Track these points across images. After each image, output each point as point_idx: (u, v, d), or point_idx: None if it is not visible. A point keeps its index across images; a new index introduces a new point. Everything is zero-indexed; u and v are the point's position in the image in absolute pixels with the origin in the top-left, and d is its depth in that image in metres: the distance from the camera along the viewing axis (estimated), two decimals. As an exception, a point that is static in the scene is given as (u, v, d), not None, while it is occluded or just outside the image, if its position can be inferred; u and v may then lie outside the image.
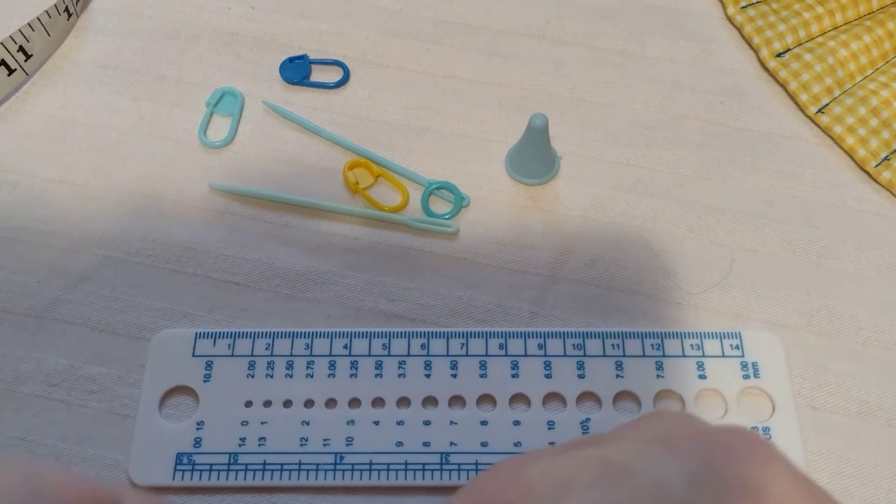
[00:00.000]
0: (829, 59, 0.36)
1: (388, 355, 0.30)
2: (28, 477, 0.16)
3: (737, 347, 0.30)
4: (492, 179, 0.35)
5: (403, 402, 0.30)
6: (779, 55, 0.37)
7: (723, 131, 0.36)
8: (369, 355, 0.30)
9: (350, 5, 0.39)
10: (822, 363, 0.31)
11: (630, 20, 0.39)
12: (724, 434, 0.17)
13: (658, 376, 0.30)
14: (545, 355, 0.30)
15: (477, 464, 0.28)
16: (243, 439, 0.29)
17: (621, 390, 0.30)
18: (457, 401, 0.30)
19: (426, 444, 0.29)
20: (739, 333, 0.31)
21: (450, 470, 0.28)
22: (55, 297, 0.32)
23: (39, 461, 0.29)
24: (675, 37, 0.38)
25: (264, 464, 0.28)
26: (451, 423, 0.29)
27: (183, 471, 0.28)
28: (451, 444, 0.29)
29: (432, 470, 0.28)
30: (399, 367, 0.30)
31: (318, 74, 0.37)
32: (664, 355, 0.30)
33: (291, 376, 0.30)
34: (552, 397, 0.30)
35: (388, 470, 0.28)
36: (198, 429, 0.29)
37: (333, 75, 0.37)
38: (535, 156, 0.34)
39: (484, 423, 0.29)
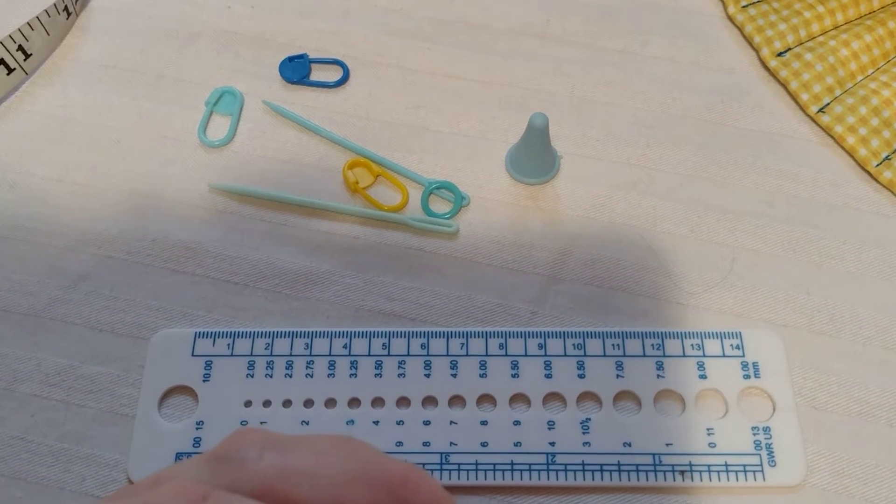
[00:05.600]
0: (829, 59, 0.36)
1: (388, 355, 0.30)
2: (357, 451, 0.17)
3: (737, 347, 0.30)
4: (492, 179, 0.35)
5: (403, 401, 0.29)
6: (779, 54, 0.37)
7: (723, 131, 0.36)
8: (369, 355, 0.30)
9: (350, 4, 0.39)
10: (822, 363, 0.31)
11: (630, 19, 0.39)
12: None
13: (658, 376, 0.30)
14: (545, 355, 0.30)
15: (477, 464, 0.28)
16: (243, 439, 0.29)
17: (622, 390, 0.30)
18: (457, 401, 0.30)
19: (426, 443, 0.29)
20: (740, 333, 0.31)
21: (450, 470, 0.28)
22: (54, 297, 0.32)
23: (38, 461, 0.29)
24: (676, 36, 0.38)
25: (264, 464, 0.28)
26: (451, 422, 0.29)
27: (182, 471, 0.28)
28: (451, 444, 0.29)
29: (432, 470, 0.28)
30: (399, 367, 0.30)
31: (317, 74, 0.37)
32: (664, 355, 0.30)
33: (291, 376, 0.30)
34: (552, 397, 0.30)
35: (387, 470, 0.28)
36: (197, 428, 0.29)
37: (333, 74, 0.37)
38: (535, 155, 0.33)
39: (484, 423, 0.29)
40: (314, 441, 0.17)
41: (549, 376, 0.30)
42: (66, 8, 0.37)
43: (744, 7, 0.38)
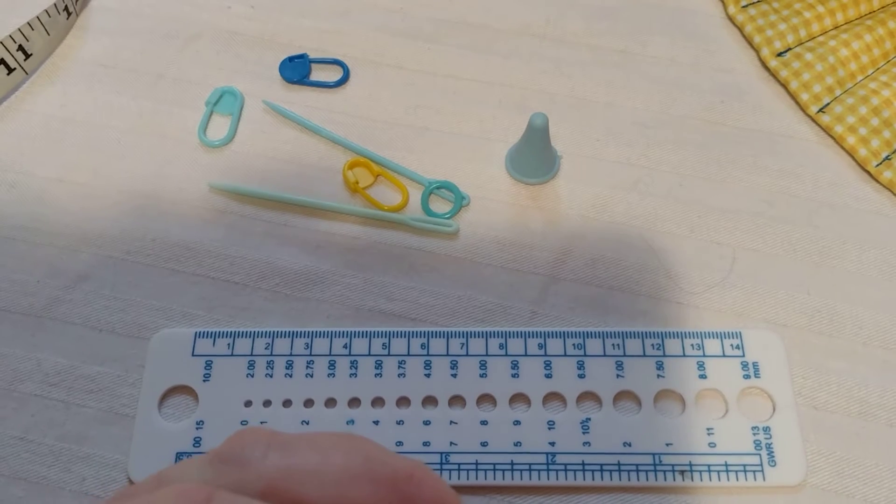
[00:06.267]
0: (829, 59, 0.36)
1: (388, 355, 0.30)
2: (360, 448, 0.17)
3: (737, 347, 0.30)
4: (492, 179, 0.35)
5: (403, 401, 0.29)
6: (779, 54, 0.37)
7: (723, 131, 0.36)
8: (369, 355, 0.30)
9: (350, 4, 0.39)
10: (822, 363, 0.31)
11: (631, 20, 0.39)
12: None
13: (658, 376, 0.30)
14: (545, 355, 0.30)
15: (477, 464, 0.28)
16: (243, 439, 0.29)
17: (622, 390, 0.30)
18: (457, 400, 0.30)
19: (426, 443, 0.29)
20: (740, 333, 0.31)
21: (450, 470, 0.28)
22: (54, 297, 0.32)
23: (39, 461, 0.29)
24: (676, 36, 0.38)
25: (264, 463, 0.28)
26: (451, 422, 0.29)
27: (182, 470, 0.28)
28: (451, 443, 0.29)
29: (432, 470, 0.28)
30: (399, 367, 0.30)
31: (317, 74, 0.37)
32: (664, 355, 0.30)
33: (291, 376, 0.30)
34: (552, 397, 0.30)
35: (387, 470, 0.28)
36: (197, 428, 0.29)
37: (333, 74, 0.37)
38: (535, 155, 0.33)
39: (484, 422, 0.29)
40: (318, 439, 0.17)
41: (549, 376, 0.30)
42: (66, 8, 0.37)
43: (744, 7, 0.38)
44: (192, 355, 0.30)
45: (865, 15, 0.38)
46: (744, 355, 0.30)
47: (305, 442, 0.17)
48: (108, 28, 0.38)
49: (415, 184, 0.34)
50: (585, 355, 0.30)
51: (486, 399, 0.30)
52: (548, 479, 0.28)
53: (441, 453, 0.28)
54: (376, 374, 0.30)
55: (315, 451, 0.17)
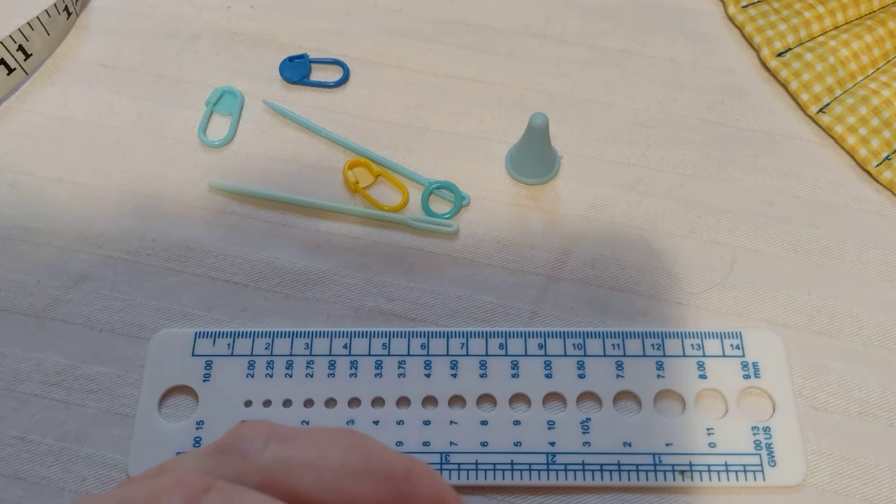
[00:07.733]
0: (830, 59, 0.36)
1: (388, 355, 0.30)
2: (358, 445, 0.17)
3: (737, 347, 0.30)
4: (492, 179, 0.35)
5: (403, 401, 0.29)
6: (780, 54, 0.37)
7: (723, 131, 0.36)
8: (369, 355, 0.30)
9: (350, 4, 0.39)
10: (822, 363, 0.31)
11: (631, 19, 0.39)
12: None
13: (658, 376, 0.30)
14: (545, 355, 0.30)
15: (477, 463, 0.28)
16: (243, 439, 0.29)
17: (622, 390, 0.30)
18: (457, 400, 0.30)
19: (426, 443, 0.29)
20: (740, 333, 0.31)
21: (450, 470, 0.28)
22: (54, 297, 0.32)
23: (39, 460, 0.29)
24: (676, 36, 0.38)
25: (264, 464, 0.28)
26: (451, 422, 0.29)
27: (182, 470, 0.28)
28: (451, 443, 0.29)
29: (432, 470, 0.28)
30: (399, 367, 0.30)
31: (317, 74, 0.37)
32: (665, 355, 0.30)
33: (291, 376, 0.30)
34: (552, 397, 0.30)
35: (387, 470, 0.28)
36: (197, 428, 0.29)
37: (333, 74, 0.37)
38: (535, 155, 0.33)
39: (484, 422, 0.29)
40: (318, 433, 0.18)
41: (549, 376, 0.30)
42: (66, 8, 0.37)
43: (744, 7, 0.38)
44: (192, 355, 0.30)
45: (865, 15, 0.38)
46: (744, 355, 0.30)
47: (304, 435, 0.17)
48: (108, 28, 0.38)
49: (415, 184, 0.34)
50: (585, 355, 0.30)
51: (486, 399, 0.30)
52: (548, 479, 0.28)
53: (441, 453, 0.28)
54: (376, 375, 0.30)
55: (314, 444, 0.17)
